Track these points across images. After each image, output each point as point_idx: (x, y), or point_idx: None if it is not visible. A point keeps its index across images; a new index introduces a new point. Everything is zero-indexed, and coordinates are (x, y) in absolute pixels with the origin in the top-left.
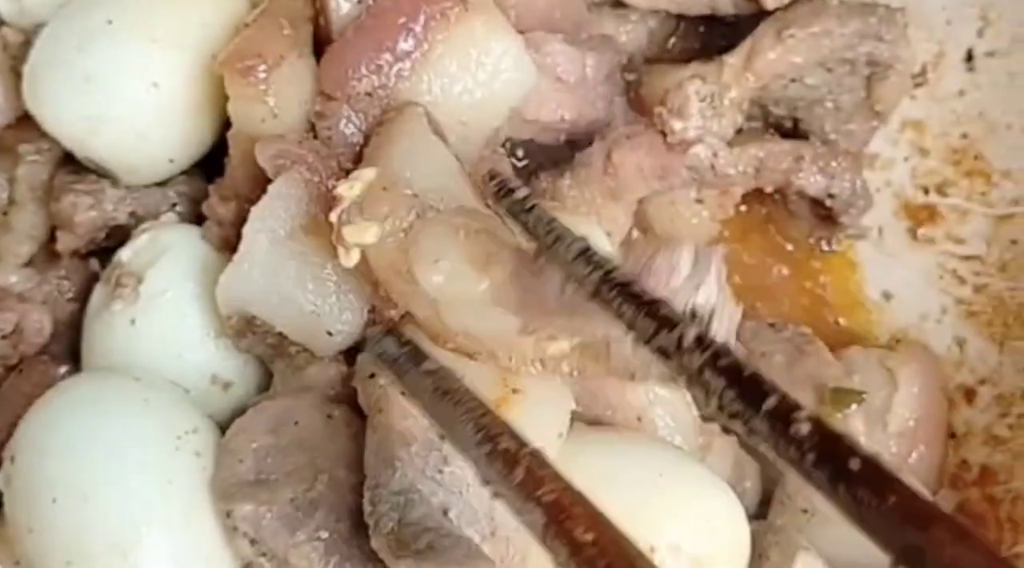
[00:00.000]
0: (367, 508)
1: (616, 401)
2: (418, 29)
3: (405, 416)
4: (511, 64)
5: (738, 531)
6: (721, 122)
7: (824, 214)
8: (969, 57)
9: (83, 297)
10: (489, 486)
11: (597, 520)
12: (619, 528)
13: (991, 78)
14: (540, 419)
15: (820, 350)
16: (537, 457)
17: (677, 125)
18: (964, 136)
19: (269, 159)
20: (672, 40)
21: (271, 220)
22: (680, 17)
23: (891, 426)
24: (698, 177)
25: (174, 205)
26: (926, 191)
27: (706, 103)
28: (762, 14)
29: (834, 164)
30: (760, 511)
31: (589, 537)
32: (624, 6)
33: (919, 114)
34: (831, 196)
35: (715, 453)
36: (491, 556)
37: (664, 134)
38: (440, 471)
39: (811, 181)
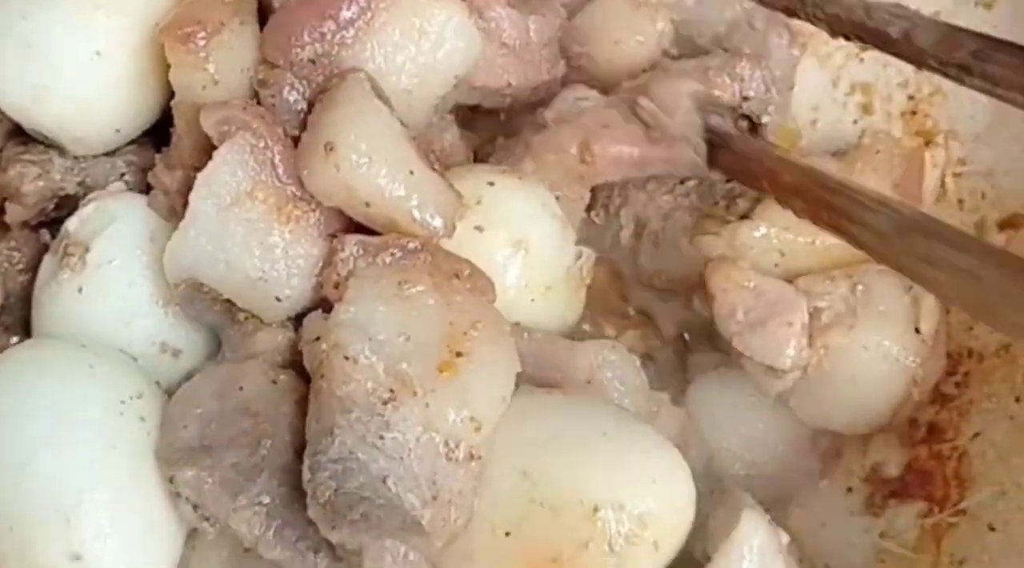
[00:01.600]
0: (306, 476)
1: (565, 362)
2: None
3: (347, 381)
4: (454, 32)
5: (683, 490)
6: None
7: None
8: None
9: (34, 268)
10: None
11: None
12: None
13: None
14: (485, 383)
15: None
16: None
17: (666, 122)
18: (911, 98)
19: (214, 125)
20: None
21: (217, 186)
22: None
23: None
24: (673, 169)
25: (122, 175)
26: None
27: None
28: None
29: (739, 67)
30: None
31: None
32: None
33: (867, 77)
34: (745, 98)
35: (662, 420)
36: (432, 521)
37: (647, 125)
38: (381, 437)
39: (723, 88)
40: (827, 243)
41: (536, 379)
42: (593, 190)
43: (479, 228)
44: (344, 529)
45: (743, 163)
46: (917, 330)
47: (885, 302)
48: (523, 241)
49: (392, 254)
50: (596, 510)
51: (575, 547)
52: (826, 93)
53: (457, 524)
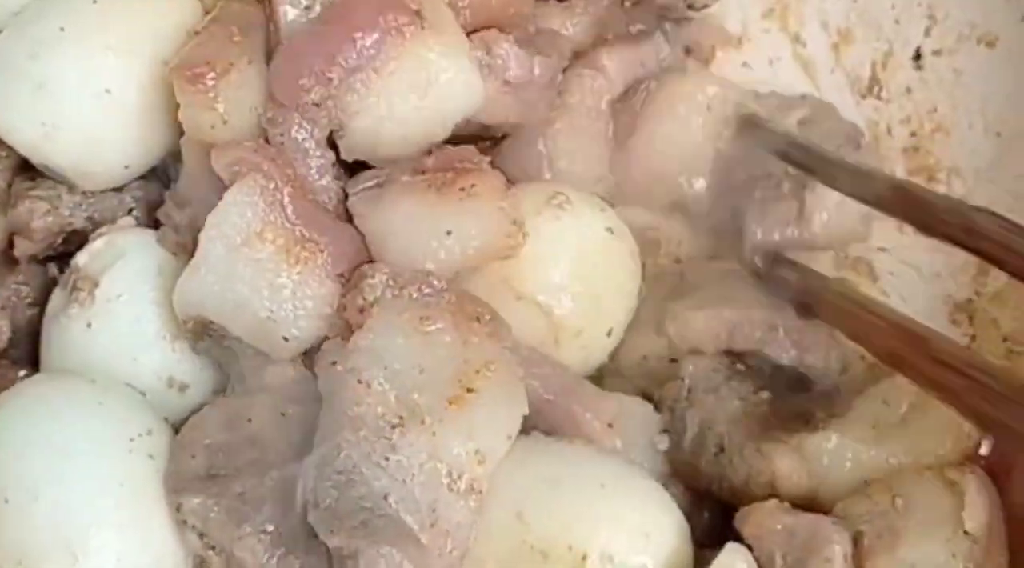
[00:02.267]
0: (309, 484)
1: (592, 403)
2: (371, 43)
3: (358, 401)
4: (461, 86)
5: (678, 549)
6: None
7: None
8: (917, 55)
9: (42, 302)
10: None
11: None
12: None
13: (938, 76)
14: (492, 419)
15: None
16: None
17: None
18: (913, 134)
19: (225, 166)
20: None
21: (227, 226)
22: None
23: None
24: None
25: (131, 210)
26: None
27: None
28: None
29: (808, 338)
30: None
31: None
32: None
33: (868, 113)
34: (805, 366)
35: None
36: (429, 547)
37: None
38: (386, 458)
39: (783, 353)
40: (901, 459)
41: (556, 415)
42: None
43: (610, 230)
44: (342, 533)
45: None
46: (965, 532)
47: (925, 510)
48: (635, 252)
49: (419, 289)
50: (585, 559)
51: None
52: None
53: (453, 555)
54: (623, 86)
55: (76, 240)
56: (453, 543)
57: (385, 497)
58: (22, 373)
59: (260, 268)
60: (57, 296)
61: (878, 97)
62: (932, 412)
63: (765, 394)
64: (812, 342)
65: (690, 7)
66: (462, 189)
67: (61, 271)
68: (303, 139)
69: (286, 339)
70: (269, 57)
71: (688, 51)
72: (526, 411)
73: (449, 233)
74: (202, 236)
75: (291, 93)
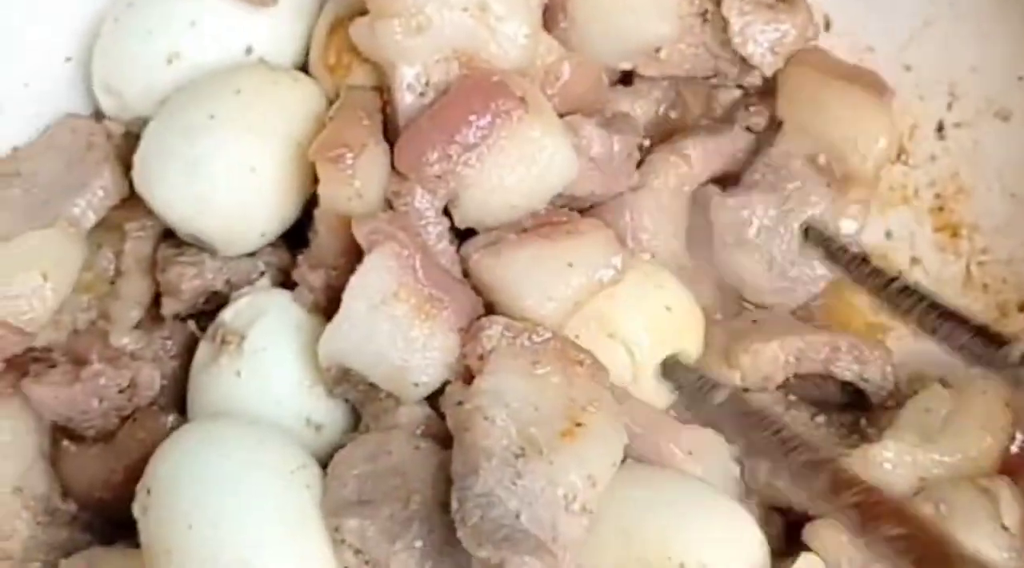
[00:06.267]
0: (454, 505)
1: (673, 436)
2: (484, 124)
3: (487, 435)
4: (561, 160)
5: (758, 556)
6: None
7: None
8: (940, 128)
9: (184, 354)
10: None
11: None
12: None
13: (959, 145)
14: (599, 449)
15: None
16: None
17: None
18: (937, 196)
19: (365, 235)
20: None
21: (367, 287)
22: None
23: None
24: None
25: (262, 273)
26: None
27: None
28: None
29: (867, 353)
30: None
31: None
32: (634, 83)
33: (897, 177)
34: (864, 380)
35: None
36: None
37: None
38: (514, 483)
39: (847, 369)
40: (950, 457)
41: (644, 445)
42: None
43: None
44: (489, 546)
45: None
46: (1004, 527)
47: (967, 512)
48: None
49: (530, 338)
50: (682, 566)
51: None
52: None
53: (571, 566)
54: (706, 175)
55: (214, 300)
56: (570, 558)
57: (518, 516)
58: (171, 418)
59: (397, 324)
60: (204, 349)
61: (905, 164)
62: (967, 415)
63: (821, 418)
64: (870, 357)
65: (739, 86)
66: (568, 232)
67: (199, 327)
68: (424, 209)
69: (416, 385)
70: (386, 136)
71: None
72: (627, 441)
73: (571, 265)
74: (345, 295)
75: (416, 167)
